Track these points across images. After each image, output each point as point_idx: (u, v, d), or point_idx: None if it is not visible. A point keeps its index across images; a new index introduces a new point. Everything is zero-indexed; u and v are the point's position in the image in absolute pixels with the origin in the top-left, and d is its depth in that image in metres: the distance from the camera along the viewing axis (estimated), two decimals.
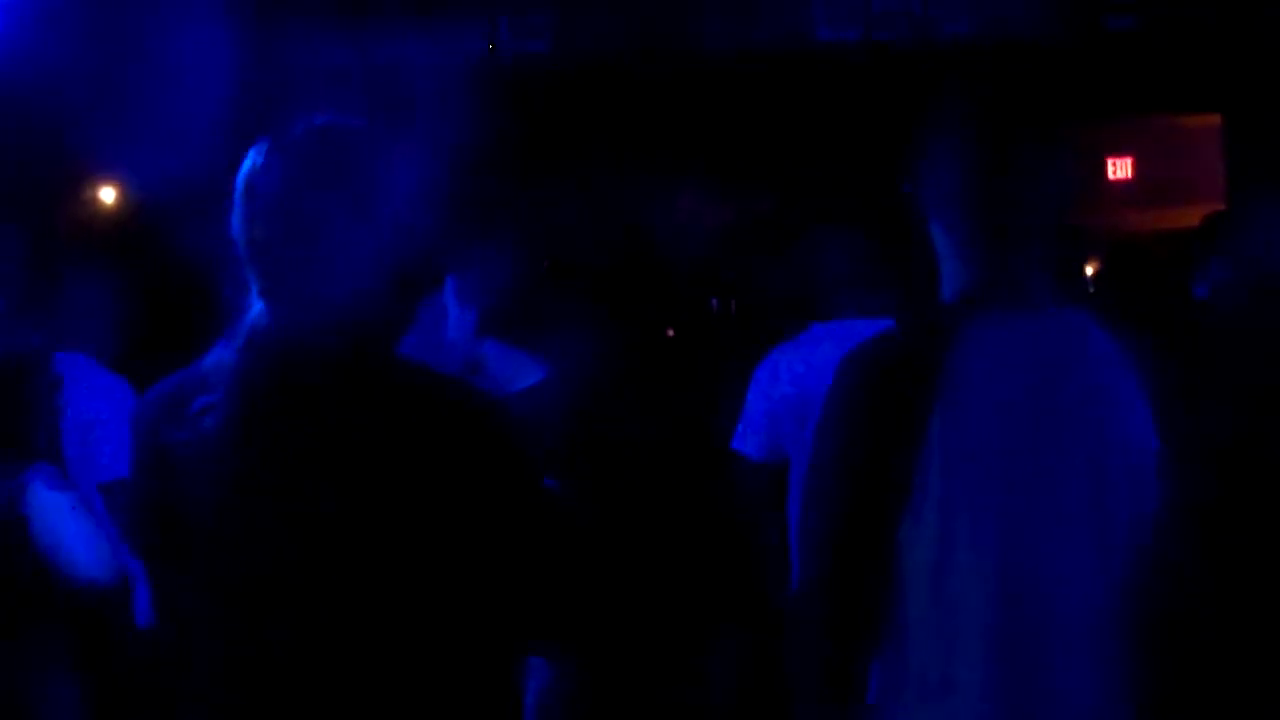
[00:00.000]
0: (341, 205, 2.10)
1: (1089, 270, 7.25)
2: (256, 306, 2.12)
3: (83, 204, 8.44)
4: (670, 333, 8.52)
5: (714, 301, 9.06)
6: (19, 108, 5.54)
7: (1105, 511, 2.15)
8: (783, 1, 8.21)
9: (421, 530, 2.02)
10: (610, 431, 3.77)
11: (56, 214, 7.68)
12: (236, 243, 2.14)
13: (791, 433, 4.03)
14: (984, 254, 2.24)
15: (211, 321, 2.24)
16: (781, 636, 2.47)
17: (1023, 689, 2.13)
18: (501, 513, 2.06)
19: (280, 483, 2.04)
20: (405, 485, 2.02)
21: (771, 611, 3.83)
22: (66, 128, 5.95)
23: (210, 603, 2.09)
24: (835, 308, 4.14)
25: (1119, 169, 11.83)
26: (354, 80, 7.81)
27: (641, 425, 4.30)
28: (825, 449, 2.21)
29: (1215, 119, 10.32)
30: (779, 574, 3.89)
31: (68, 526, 3.02)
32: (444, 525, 2.03)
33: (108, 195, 8.80)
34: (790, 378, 4.09)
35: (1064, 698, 2.14)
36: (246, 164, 2.14)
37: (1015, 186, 2.23)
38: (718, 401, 4.29)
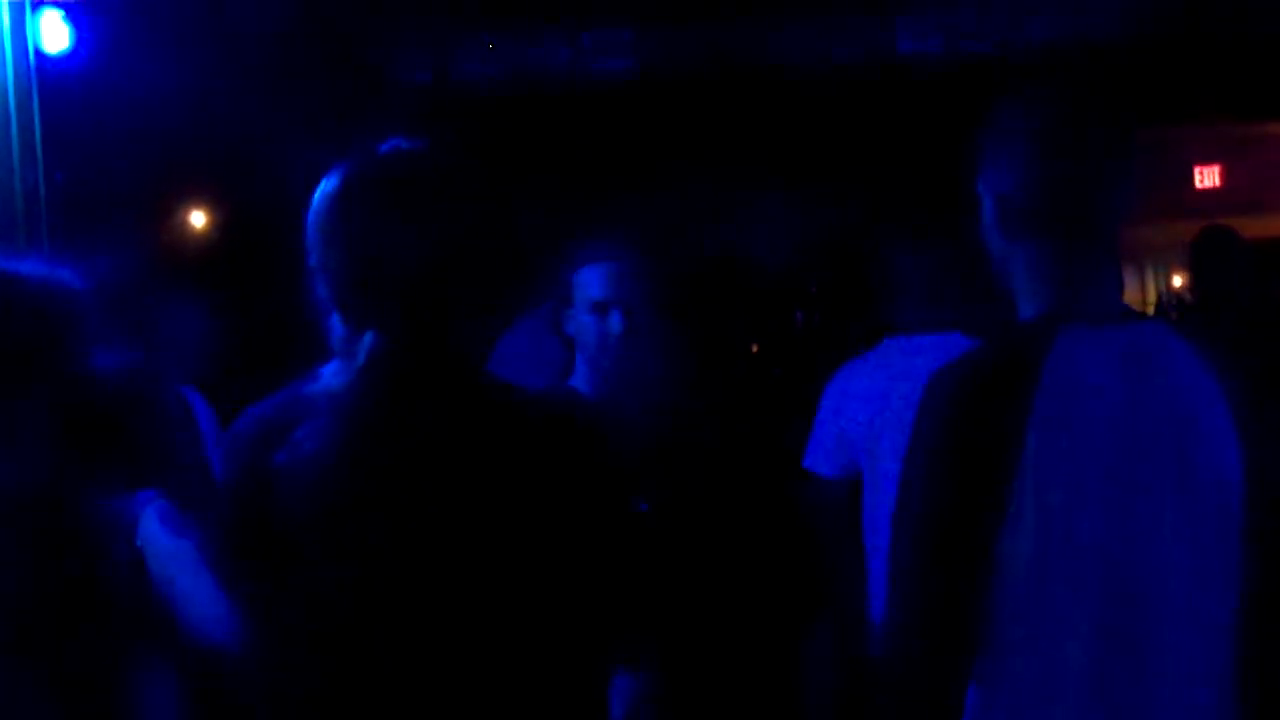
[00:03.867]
0: (411, 229, 2.12)
1: (1177, 282, 7.17)
2: (338, 331, 2.16)
3: (173, 227, 8.56)
4: (755, 348, 8.51)
5: (799, 315, 9.05)
6: (110, 128, 5.63)
7: (1197, 521, 2.14)
8: (864, 15, 8.20)
9: (522, 546, 2.05)
10: (694, 447, 3.77)
11: (148, 237, 7.79)
12: (319, 272, 2.17)
13: (864, 448, 4.02)
14: (1066, 265, 2.23)
15: (300, 345, 2.27)
16: (857, 647, 2.47)
17: (1123, 701, 2.13)
18: (597, 528, 2.09)
19: (385, 503, 2.07)
20: (506, 502, 2.05)
21: (847, 622, 3.83)
22: (157, 149, 6.04)
23: (310, 619, 2.12)
24: (907, 322, 4.12)
25: (1207, 177, 11.72)
26: (439, 96, 7.88)
27: (724, 440, 4.30)
28: (919, 468, 2.19)
29: None
30: (854, 587, 3.89)
31: (187, 584, 2.96)
32: (542, 541, 2.06)
33: (198, 219, 8.92)
34: (861, 393, 4.08)
35: (1165, 709, 2.13)
36: (318, 193, 2.17)
37: (1096, 193, 2.22)
38: (802, 417, 4.28)
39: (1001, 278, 2.29)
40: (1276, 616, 2.17)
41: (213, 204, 7.75)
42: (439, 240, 2.12)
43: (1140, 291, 12.34)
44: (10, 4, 4.13)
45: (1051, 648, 2.12)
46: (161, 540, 2.98)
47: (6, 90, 4.02)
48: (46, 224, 4.11)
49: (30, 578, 2.66)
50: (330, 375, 2.16)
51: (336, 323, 2.21)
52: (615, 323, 3.60)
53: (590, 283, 3.65)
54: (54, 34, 4.33)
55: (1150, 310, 9.46)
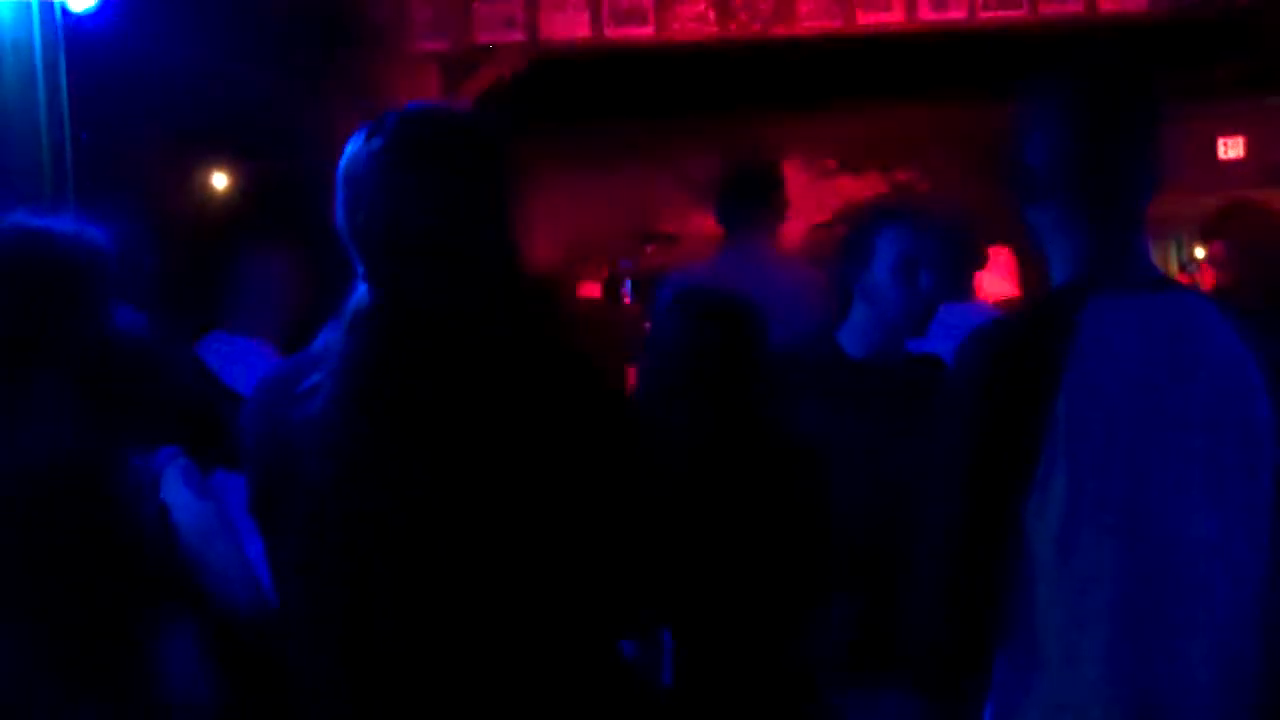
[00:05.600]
0: (438, 191, 2.14)
1: (1199, 252, 7.13)
2: (360, 289, 2.18)
3: (196, 190, 8.55)
4: None
5: None
6: (137, 88, 5.63)
7: (1229, 485, 2.17)
8: None
9: (521, 501, 2.07)
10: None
11: (171, 199, 7.79)
12: (340, 230, 2.19)
13: None
14: (1099, 233, 2.25)
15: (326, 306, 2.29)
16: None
17: (1146, 663, 2.14)
18: (603, 485, 2.12)
19: (384, 458, 2.09)
20: (506, 458, 2.07)
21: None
22: (180, 112, 6.04)
23: (318, 574, 2.14)
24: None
25: (1230, 148, 11.65)
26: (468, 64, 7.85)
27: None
28: (952, 431, 2.22)
29: None
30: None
31: (214, 548, 2.97)
32: (544, 496, 2.08)
33: (220, 181, 8.92)
34: None
35: (1187, 674, 2.15)
36: (347, 151, 2.19)
37: (1129, 163, 2.24)
38: None
39: (1038, 246, 2.31)
40: None
41: (238, 165, 7.74)
42: (449, 201, 2.14)
43: (1163, 262, 12.33)
44: None
45: (1078, 606, 2.14)
46: (186, 498, 2.99)
47: (33, 48, 4.03)
48: (73, 183, 4.13)
49: (55, 535, 2.68)
50: (328, 332, 2.18)
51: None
52: (925, 281, 3.69)
53: (896, 241, 3.69)
54: None
55: None
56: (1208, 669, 2.15)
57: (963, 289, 5.11)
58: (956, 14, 7.93)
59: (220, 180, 7.93)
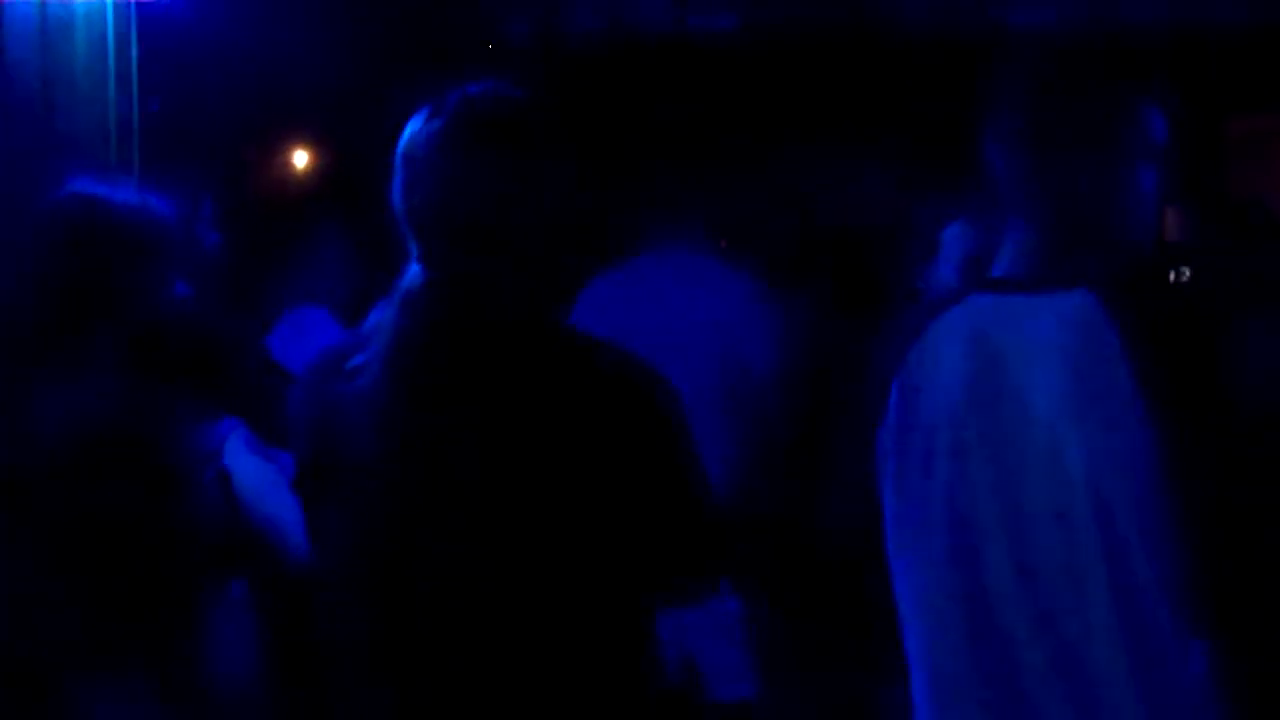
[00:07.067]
0: (496, 172, 2.14)
1: None
2: (413, 269, 2.17)
3: (275, 167, 8.63)
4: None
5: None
6: (215, 68, 5.68)
7: (1031, 486, 2.10)
8: None
9: (561, 486, 2.07)
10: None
11: (249, 176, 7.86)
12: (396, 210, 2.19)
13: None
14: (1026, 237, 2.21)
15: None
16: None
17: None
18: (640, 474, 2.10)
19: (429, 437, 2.09)
20: (549, 441, 2.07)
21: None
22: (254, 85, 6.09)
23: (360, 550, 2.15)
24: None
25: None
26: (535, 51, 7.87)
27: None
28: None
29: None
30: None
31: (277, 503, 2.99)
32: (584, 481, 2.08)
33: (300, 159, 8.99)
34: None
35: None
36: (405, 132, 2.19)
37: (1057, 172, 2.18)
38: None
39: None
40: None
41: (312, 145, 7.82)
42: (505, 183, 2.14)
43: None
44: None
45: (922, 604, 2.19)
46: (248, 464, 3.02)
47: (106, 17, 4.06)
48: (140, 155, 4.15)
49: (112, 502, 2.70)
50: (379, 311, 2.18)
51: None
52: None
53: (962, 238, 3.65)
54: None
55: None
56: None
57: None
58: None
59: (299, 158, 8.00)
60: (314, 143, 8.36)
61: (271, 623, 3.21)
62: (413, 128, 2.19)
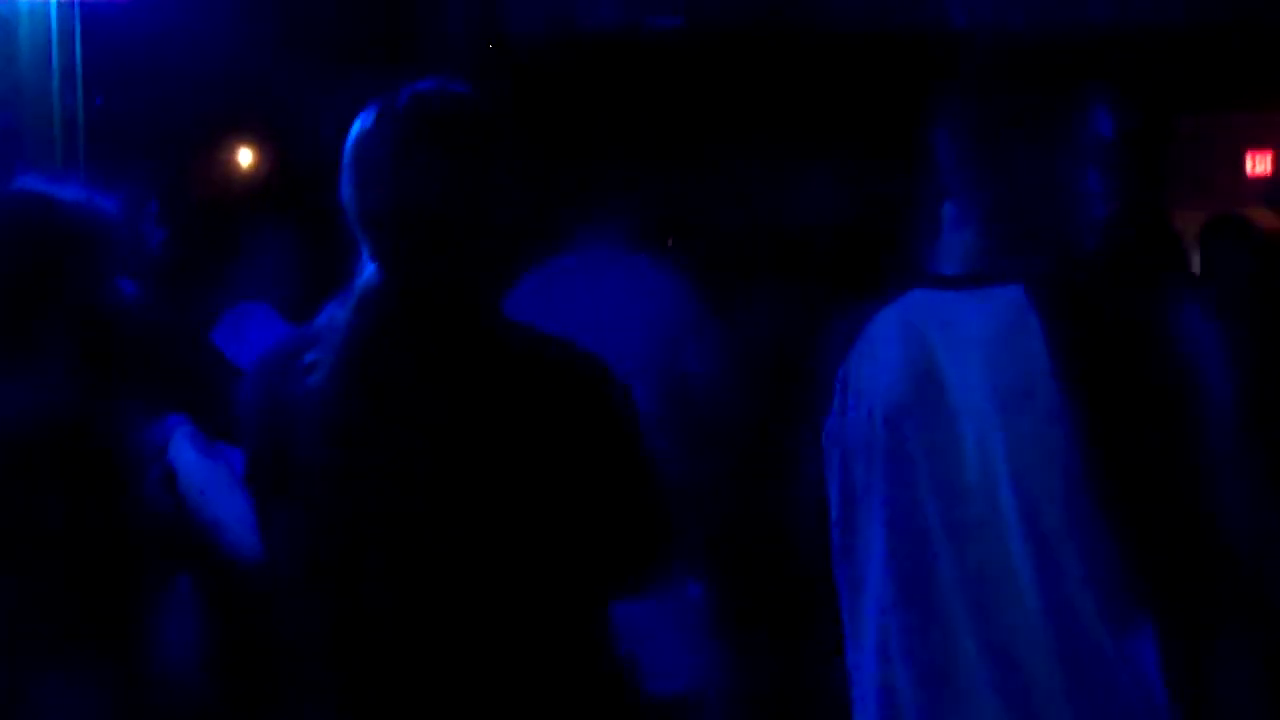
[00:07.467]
0: (450, 170, 2.14)
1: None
2: (368, 268, 2.17)
3: (220, 164, 8.59)
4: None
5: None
6: (160, 66, 5.65)
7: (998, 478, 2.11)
8: None
9: (515, 481, 2.08)
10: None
11: (193, 174, 7.82)
12: (347, 208, 2.19)
13: None
14: (964, 233, 2.23)
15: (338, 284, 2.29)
16: None
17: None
18: (592, 466, 2.11)
19: (381, 435, 2.10)
20: (501, 436, 2.07)
21: None
22: (199, 81, 6.06)
23: (310, 546, 2.15)
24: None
25: (1259, 163, 11.55)
26: (484, 50, 7.86)
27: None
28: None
29: None
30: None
31: (222, 502, 2.98)
32: (537, 476, 2.08)
33: (245, 156, 8.95)
34: None
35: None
36: (354, 130, 2.19)
37: (992, 161, 2.20)
38: None
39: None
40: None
41: (256, 142, 7.79)
42: (458, 180, 2.14)
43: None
44: None
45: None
46: (193, 459, 3.01)
47: (49, 12, 4.03)
48: (85, 150, 4.13)
49: (55, 499, 2.69)
50: (332, 308, 2.18)
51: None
52: None
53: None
54: None
55: None
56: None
57: None
58: None
59: (244, 156, 7.96)
60: (258, 140, 8.32)
61: (217, 617, 3.20)
62: (362, 126, 2.18)
